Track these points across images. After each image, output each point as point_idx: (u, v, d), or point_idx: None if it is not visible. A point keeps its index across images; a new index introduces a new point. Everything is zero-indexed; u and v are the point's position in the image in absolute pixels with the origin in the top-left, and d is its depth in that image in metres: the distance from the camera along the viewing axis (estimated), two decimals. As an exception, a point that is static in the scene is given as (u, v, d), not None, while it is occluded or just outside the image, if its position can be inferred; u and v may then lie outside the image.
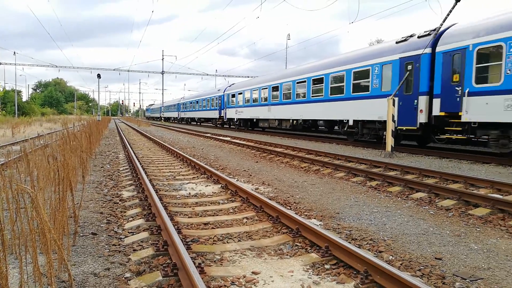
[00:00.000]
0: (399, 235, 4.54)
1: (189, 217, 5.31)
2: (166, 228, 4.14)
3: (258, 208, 5.53)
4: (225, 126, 37.62)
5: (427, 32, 12.86)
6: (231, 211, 5.69)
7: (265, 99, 25.55)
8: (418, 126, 12.72)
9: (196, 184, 7.75)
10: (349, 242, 4.08)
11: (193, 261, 3.24)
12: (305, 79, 20.08)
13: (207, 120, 43.72)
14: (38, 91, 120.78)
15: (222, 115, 36.19)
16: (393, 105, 12.12)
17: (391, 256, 3.82)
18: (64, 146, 6.15)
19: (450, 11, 10.95)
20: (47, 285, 2.93)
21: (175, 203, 6.09)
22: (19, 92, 71.58)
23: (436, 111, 12.10)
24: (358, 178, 8.35)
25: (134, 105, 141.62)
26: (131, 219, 5.14)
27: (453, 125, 11.65)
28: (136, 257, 3.72)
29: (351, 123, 16.31)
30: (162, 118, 69.12)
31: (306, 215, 5.44)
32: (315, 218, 5.27)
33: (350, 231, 4.67)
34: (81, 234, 4.35)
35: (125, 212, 5.51)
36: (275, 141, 17.59)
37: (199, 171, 9.26)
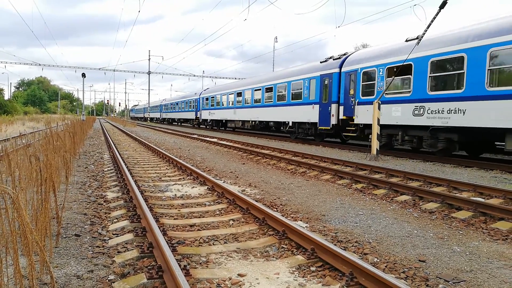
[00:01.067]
0: (384, 237, 4.59)
1: (174, 219, 5.27)
2: (151, 230, 4.09)
3: (244, 210, 5.52)
4: (201, 126, 40.97)
5: (339, 56, 17.15)
6: (218, 213, 5.66)
7: (232, 103, 29.72)
8: (331, 126, 16.93)
9: (182, 186, 7.69)
10: (335, 245, 4.11)
11: (178, 263, 3.22)
12: (261, 88, 24.31)
13: (186, 120, 47.52)
14: (21, 89, 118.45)
15: (198, 116, 39.96)
16: (379, 109, 12.27)
17: (376, 259, 3.86)
18: (47, 146, 6.03)
19: (434, 18, 11.14)
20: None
21: (161, 205, 6.03)
22: (1, 90, 70.03)
23: (341, 115, 16.39)
24: (343, 180, 8.42)
25: (119, 105, 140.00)
26: (116, 220, 5.07)
27: (351, 126, 15.74)
28: (120, 259, 3.66)
29: (290, 124, 20.64)
30: (148, 119, 68.69)
31: (292, 217, 5.46)
32: (301, 220, 5.29)
33: (335, 233, 4.70)
34: (64, 236, 4.27)
35: (109, 213, 5.43)
36: (261, 143, 17.61)
37: (185, 172, 9.20)
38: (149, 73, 61.36)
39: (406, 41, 13.38)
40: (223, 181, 8.26)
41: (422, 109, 12.27)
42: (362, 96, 14.99)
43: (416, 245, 4.32)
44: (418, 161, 11.89)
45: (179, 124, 51.96)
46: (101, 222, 4.98)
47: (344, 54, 16.91)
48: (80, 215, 5.22)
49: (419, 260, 3.86)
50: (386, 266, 3.65)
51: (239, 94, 28.15)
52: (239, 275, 3.42)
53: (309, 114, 18.45)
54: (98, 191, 6.98)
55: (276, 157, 12.01)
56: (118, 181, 7.76)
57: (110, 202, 6.08)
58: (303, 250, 3.97)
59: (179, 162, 10.17)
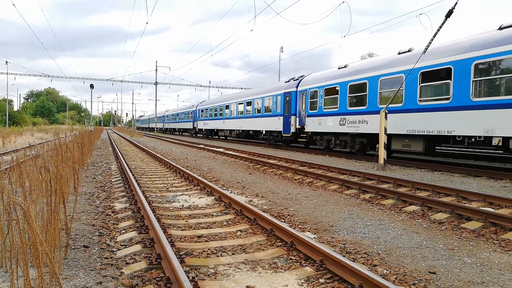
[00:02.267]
0: (393, 248, 4.55)
1: (182, 230, 5.27)
2: (159, 241, 4.09)
3: (252, 220, 5.50)
4: (198, 135, 44.75)
5: (297, 78, 21.43)
6: (225, 223, 5.66)
7: (221, 115, 34.05)
8: (291, 134, 21.01)
9: (189, 196, 7.70)
10: (344, 256, 4.08)
11: (186, 275, 3.21)
12: (243, 102, 28.71)
13: (185, 130, 52.30)
14: (29, 100, 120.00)
15: (195, 126, 44.51)
16: (385, 118, 12.25)
17: (385, 270, 3.82)
18: (57, 157, 6.09)
19: (440, 27, 11.15)
20: (37, 300, 2.87)
21: (168, 215, 6.04)
22: (10, 101, 70.97)
23: (297, 125, 20.57)
24: (351, 190, 8.38)
25: (127, 116, 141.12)
26: (124, 231, 5.08)
27: (303, 133, 19.84)
28: (128, 271, 3.66)
29: (264, 132, 24.96)
30: (155, 129, 69.29)
31: (300, 228, 5.43)
32: (309, 231, 5.26)
33: (344, 244, 4.66)
34: (73, 247, 4.29)
35: (117, 224, 5.45)
36: (267, 153, 17.60)
37: (192, 182, 9.21)
38: (156, 83, 61.89)
39: (339, 68, 17.64)
40: (230, 191, 8.26)
41: (344, 120, 16.47)
42: (310, 110, 19.09)
43: (426, 257, 4.27)
44: (426, 171, 11.80)
45: (180, 133, 56.40)
46: (109, 233, 4.99)
47: (301, 76, 21.28)
48: (88, 226, 5.25)
49: (430, 272, 3.81)
50: (396, 278, 3.61)
51: (227, 107, 32.41)
52: (248, 287, 3.40)
53: (276, 124, 22.79)
54: (106, 201, 7.02)
55: (282, 167, 12.00)
56: (126, 192, 7.79)
57: (118, 213, 6.10)
58: (312, 261, 3.94)
59: (186, 172, 10.20)
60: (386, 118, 12.26)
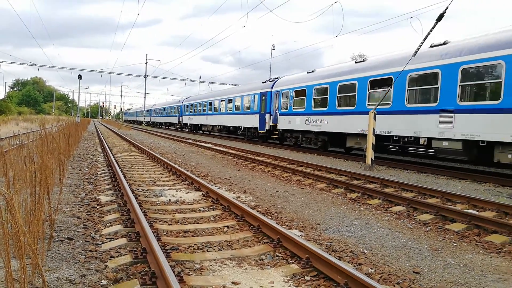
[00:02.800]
0: (379, 248, 4.59)
1: (168, 224, 5.23)
2: (145, 235, 4.06)
3: (239, 217, 5.49)
4: (183, 129, 45.55)
5: (273, 79, 23.56)
6: (212, 219, 5.63)
7: (205, 110, 35.67)
8: (265, 131, 22.80)
9: (176, 191, 7.65)
10: (330, 254, 4.09)
11: (172, 270, 3.19)
12: (224, 99, 30.35)
13: (171, 124, 53.13)
14: (15, 89, 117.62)
15: (180, 120, 45.98)
16: (374, 119, 12.34)
17: (370, 269, 3.85)
18: (42, 147, 5.98)
19: (430, 31, 11.26)
20: (19, 292, 2.81)
21: (155, 210, 5.99)
22: (-5, 89, 69.41)
23: (271, 123, 22.29)
24: (338, 189, 8.43)
25: (115, 108, 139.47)
26: (109, 224, 5.02)
27: (276, 130, 21.71)
28: (113, 264, 3.62)
29: (242, 128, 26.86)
30: (144, 122, 68.84)
31: (287, 225, 5.44)
32: (296, 229, 5.27)
33: (330, 242, 4.69)
34: (57, 239, 4.22)
35: (103, 217, 5.38)
36: (256, 150, 17.60)
37: (180, 177, 9.16)
38: (145, 76, 61.27)
39: (307, 72, 19.35)
40: (218, 187, 8.23)
41: (309, 120, 18.16)
42: (282, 109, 20.94)
43: (410, 257, 4.32)
44: (412, 172, 11.95)
45: (166, 127, 56.96)
46: (94, 226, 4.93)
47: (276, 78, 23.27)
48: (73, 218, 5.17)
49: (414, 272, 3.85)
50: (380, 277, 3.64)
51: (210, 104, 34.14)
52: (233, 283, 3.39)
53: (253, 121, 24.49)
54: (92, 194, 6.93)
55: (271, 164, 12.01)
56: (112, 185, 7.70)
57: (104, 206, 6.03)
58: (298, 259, 3.95)
59: (174, 167, 10.13)
60: (375, 119, 12.35)
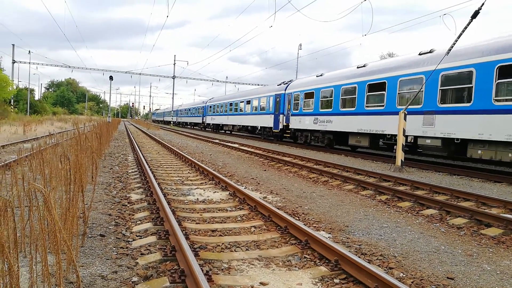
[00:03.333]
0: (410, 252, 4.46)
1: (196, 223, 5.29)
2: (174, 233, 4.11)
3: (266, 217, 5.48)
4: (207, 129, 47.97)
5: (286, 82, 25.02)
6: (239, 219, 5.65)
7: (226, 111, 37.72)
8: (279, 130, 24.66)
9: (204, 190, 7.73)
10: (359, 257, 4.02)
11: (201, 268, 3.21)
12: (244, 100, 32.49)
13: (195, 124, 55.76)
14: (50, 90, 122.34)
15: (204, 120, 48.42)
16: (405, 119, 12.04)
17: (402, 273, 3.75)
18: (76, 146, 6.18)
19: (465, 28, 10.87)
20: (55, 286, 2.92)
21: (183, 208, 6.07)
22: (32, 90, 72.48)
23: (284, 122, 23.96)
24: (367, 191, 8.27)
25: (144, 108, 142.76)
26: (139, 222, 5.13)
27: (289, 130, 23.49)
28: (143, 261, 3.69)
29: (259, 128, 29.26)
30: (172, 122, 70.16)
31: (315, 226, 5.39)
32: (324, 230, 5.21)
33: (359, 245, 4.60)
34: (90, 236, 4.35)
35: (133, 215, 5.51)
36: (282, 150, 17.54)
37: (207, 177, 9.24)
38: (173, 77, 62.32)
39: (316, 76, 21.08)
40: (244, 187, 8.25)
41: (316, 120, 19.95)
42: (293, 110, 22.74)
43: (443, 262, 4.18)
44: (445, 174, 11.58)
45: (191, 127, 59.93)
46: (125, 223, 5.04)
47: (290, 81, 24.98)
48: (105, 215, 5.31)
49: (447, 278, 3.72)
50: (412, 282, 3.54)
51: (231, 105, 36.06)
52: (261, 283, 3.38)
53: (268, 121, 26.45)
54: (123, 192, 7.10)
55: (297, 165, 11.93)
56: (142, 183, 7.87)
57: (134, 204, 6.16)
58: (327, 261, 3.90)
59: (201, 166, 10.24)
60: (405, 119, 12.05)
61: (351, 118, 16.84)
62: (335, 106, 18.26)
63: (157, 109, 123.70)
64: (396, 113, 12.86)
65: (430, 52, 13.23)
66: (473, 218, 5.95)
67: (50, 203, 2.75)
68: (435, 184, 8.66)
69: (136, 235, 4.54)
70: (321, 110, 19.57)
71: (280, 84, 25.90)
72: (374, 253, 4.33)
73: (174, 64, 61.47)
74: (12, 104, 48.80)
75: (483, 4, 10.04)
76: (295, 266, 3.86)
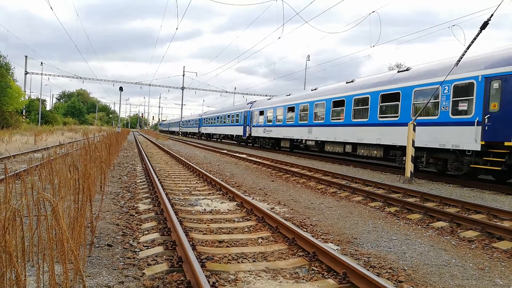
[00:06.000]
0: (420, 265, 4.39)
1: (204, 234, 5.27)
2: (181, 244, 4.10)
3: (273, 228, 5.45)
4: (202, 138, 55.11)
5: (251, 102, 34.26)
6: (246, 230, 5.62)
7: (214, 123, 47.25)
8: (246, 137, 33.14)
9: (211, 200, 7.72)
10: (368, 270, 3.96)
11: (207, 280, 3.19)
12: (225, 115, 41.92)
13: (193, 134, 63.79)
14: (61, 101, 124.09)
15: (200, 130, 56.10)
16: (414, 130, 11.95)
17: (411, 287, 3.68)
18: (85, 156, 6.24)
19: (474, 39, 10.83)
20: (61, 296, 2.91)
21: (190, 219, 6.06)
22: (43, 101, 73.65)
23: (249, 132, 32.26)
24: (376, 203, 8.18)
25: (153, 119, 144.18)
26: (147, 232, 5.13)
27: (251, 137, 32.27)
28: (150, 272, 3.68)
29: (234, 136, 38.58)
30: (180, 133, 70.48)
31: (323, 238, 5.33)
32: (332, 242, 5.15)
33: (368, 258, 4.53)
34: (97, 245, 4.35)
35: (140, 225, 5.51)
36: (290, 160, 17.49)
37: (215, 187, 9.24)
38: (183, 88, 62.88)
39: (268, 99, 28.92)
40: (252, 197, 8.23)
41: (265, 130, 28.18)
42: (254, 123, 31.15)
43: (454, 275, 4.10)
44: (455, 186, 11.42)
45: (191, 136, 66.54)
46: (133, 233, 5.05)
47: (255, 101, 34.08)
48: (112, 225, 5.32)
49: (459, 292, 3.64)
50: (422, 296, 3.47)
51: (218, 118, 45.06)
52: (268, 295, 3.34)
53: (240, 131, 35.12)
54: (131, 202, 7.12)
55: (305, 176, 11.88)
56: (150, 193, 7.89)
57: (142, 214, 6.17)
58: (335, 273, 3.85)
59: (209, 177, 10.24)
60: (414, 130, 11.97)
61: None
62: (273, 121, 26.67)
63: (163, 120, 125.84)
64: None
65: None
66: (484, 231, 5.84)
67: (58, 212, 2.77)
68: (445, 196, 8.54)
69: (143, 245, 4.54)
70: (267, 123, 27.92)
71: (248, 104, 34.72)
72: (383, 266, 4.26)
73: (183, 75, 62.07)
74: (24, 114, 49.56)
75: (492, 15, 10.01)
76: (303, 279, 3.81)
